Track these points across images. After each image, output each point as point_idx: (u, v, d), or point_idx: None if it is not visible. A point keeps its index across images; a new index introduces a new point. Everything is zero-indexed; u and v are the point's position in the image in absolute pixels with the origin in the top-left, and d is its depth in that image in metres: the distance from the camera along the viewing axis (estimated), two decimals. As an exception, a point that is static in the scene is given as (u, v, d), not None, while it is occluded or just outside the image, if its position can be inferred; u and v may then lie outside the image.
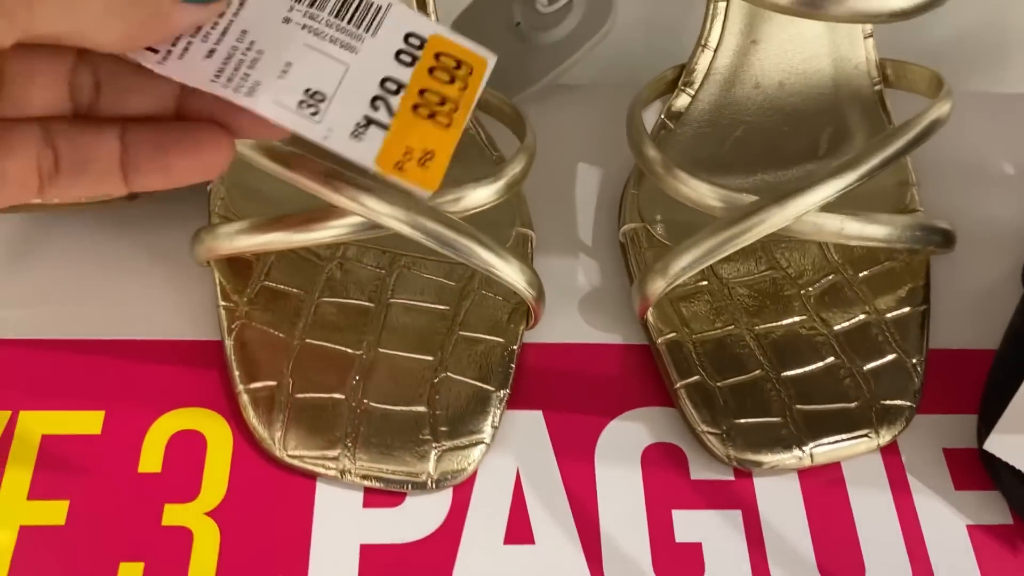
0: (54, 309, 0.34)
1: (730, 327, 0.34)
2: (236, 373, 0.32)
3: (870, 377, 0.33)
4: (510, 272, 0.31)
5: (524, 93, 0.40)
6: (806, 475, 0.32)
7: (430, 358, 0.32)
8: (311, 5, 0.22)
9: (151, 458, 0.31)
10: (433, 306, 0.34)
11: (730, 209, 0.32)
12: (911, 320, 0.34)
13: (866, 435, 0.32)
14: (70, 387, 0.32)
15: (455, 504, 0.31)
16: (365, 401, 0.31)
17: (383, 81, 0.23)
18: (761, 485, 0.32)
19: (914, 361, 0.33)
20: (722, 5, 0.37)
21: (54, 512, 0.30)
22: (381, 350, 0.32)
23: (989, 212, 0.38)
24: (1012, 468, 0.30)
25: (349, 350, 0.32)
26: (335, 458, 0.30)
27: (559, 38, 0.39)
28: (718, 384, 0.32)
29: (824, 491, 0.32)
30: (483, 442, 0.31)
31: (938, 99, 0.34)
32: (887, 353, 0.33)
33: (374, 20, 0.23)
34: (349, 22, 0.23)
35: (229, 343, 0.32)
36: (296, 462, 0.30)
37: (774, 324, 0.34)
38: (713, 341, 0.33)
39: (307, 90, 0.22)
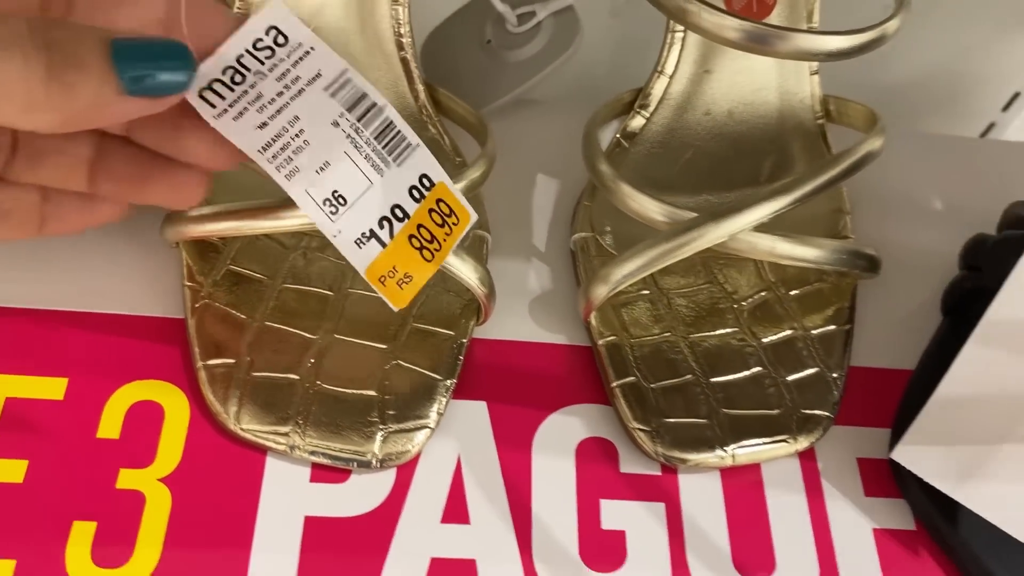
0: (26, 280, 0.35)
1: (667, 334, 0.36)
2: (196, 350, 0.33)
3: (793, 388, 0.35)
4: (463, 269, 0.33)
5: (491, 106, 0.42)
6: (728, 474, 0.34)
7: (383, 346, 0.34)
8: (359, 119, 0.26)
9: (110, 425, 0.33)
10: None
11: (671, 224, 0.34)
12: (835, 338, 0.37)
13: (785, 440, 0.34)
14: (36, 354, 0.34)
15: (397, 483, 0.33)
16: (318, 383, 0.33)
17: (394, 207, 0.27)
18: (685, 481, 0.34)
19: (835, 375, 0.36)
20: (679, 35, 0.39)
21: (13, 470, 0.31)
22: (337, 336, 0.34)
23: (917, 243, 0.41)
24: (917, 478, 0.33)
25: (306, 334, 0.34)
26: (285, 434, 0.32)
27: (526, 57, 0.42)
28: (651, 385, 0.34)
29: (743, 490, 0.34)
30: (428, 427, 0.33)
31: (871, 134, 0.37)
32: (810, 366, 0.36)
33: (403, 153, 0.27)
34: (384, 147, 0.26)
35: (191, 321, 0.34)
36: (248, 436, 0.32)
37: (708, 334, 0.36)
38: (650, 346, 0.36)
39: (335, 192, 0.26)
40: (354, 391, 0.33)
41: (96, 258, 0.36)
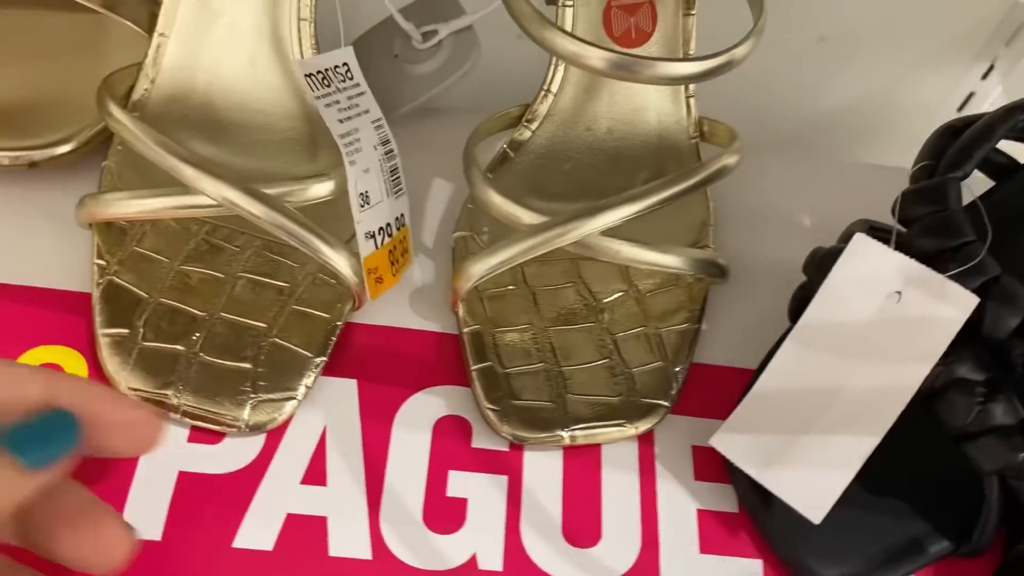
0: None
1: (527, 325, 0.40)
2: (97, 319, 0.37)
3: (636, 377, 0.39)
4: (338, 260, 0.37)
5: (396, 113, 0.46)
6: (570, 453, 0.38)
7: (263, 325, 0.38)
8: (385, 154, 0.38)
9: (15, 383, 0.37)
10: (275, 282, 0.39)
11: (532, 226, 0.38)
12: (683, 336, 0.40)
13: (622, 425, 0.37)
14: (-43, 319, 0.38)
15: (266, 447, 0.36)
16: (200, 354, 0.37)
17: (387, 224, 0.38)
18: (530, 457, 0.37)
19: (677, 370, 0.39)
20: (564, 57, 0.43)
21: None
22: (223, 314, 0.38)
23: (776, 255, 0.44)
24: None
25: (196, 311, 0.38)
26: (167, 396, 0.36)
27: (428, 71, 0.46)
28: (505, 370, 0.38)
29: (582, 468, 0.37)
30: (295, 398, 0.36)
31: (728, 151, 0.40)
32: (655, 360, 0.39)
33: (398, 191, 0.39)
34: (391, 181, 0.39)
35: (96, 294, 0.38)
36: (135, 396, 0.36)
37: (566, 327, 0.40)
38: (510, 335, 0.39)
39: (366, 192, 0.37)
40: (231, 363, 0.37)
41: (17, 236, 0.40)
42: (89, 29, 0.44)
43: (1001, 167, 0.42)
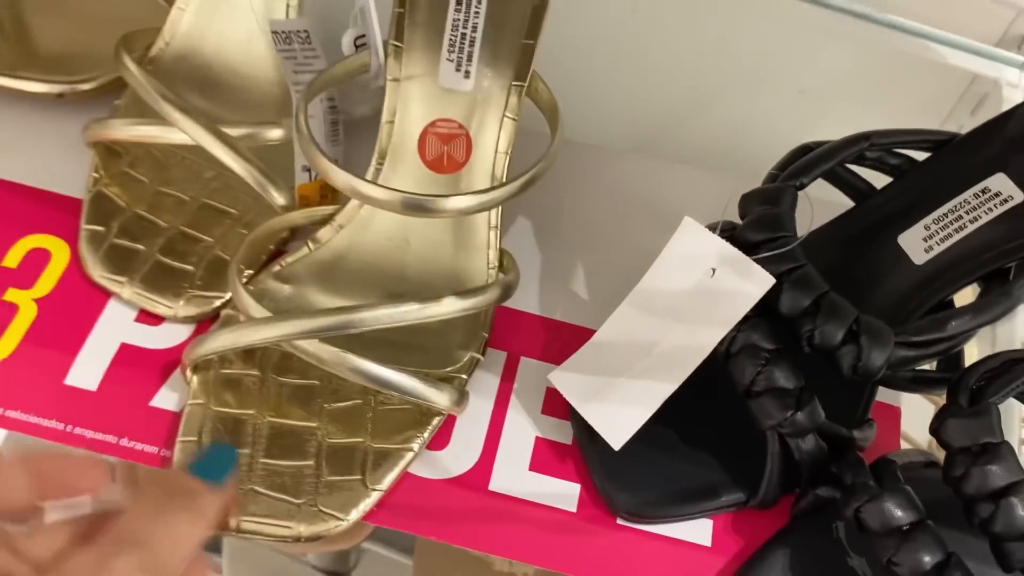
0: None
1: (250, 411, 0.42)
2: (83, 216, 0.46)
3: (326, 488, 0.40)
4: (275, 195, 0.45)
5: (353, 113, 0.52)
6: (438, 377, 0.45)
7: (210, 239, 0.47)
8: (330, 108, 0.47)
9: (12, 258, 0.46)
10: (228, 209, 0.48)
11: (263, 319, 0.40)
12: (393, 457, 0.41)
13: (287, 527, 0.39)
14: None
15: (195, 332, 0.45)
16: (157, 255, 0.46)
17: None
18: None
19: (372, 488, 0.40)
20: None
21: (-62, 274, 0.45)
22: (181, 227, 0.47)
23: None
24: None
25: (160, 222, 0.47)
26: (122, 283, 0.45)
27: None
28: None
29: (446, 390, 0.44)
30: (222, 298, 0.45)
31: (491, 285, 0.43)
32: (355, 475, 0.40)
33: (335, 139, 0.48)
34: (331, 129, 0.48)
35: (86, 198, 0.47)
36: (98, 279, 0.45)
37: (287, 421, 0.41)
38: (228, 418, 0.41)
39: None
40: (177, 264, 0.45)
41: (37, 148, 0.50)
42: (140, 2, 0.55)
43: (859, 190, 0.47)
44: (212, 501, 0.30)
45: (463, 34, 0.43)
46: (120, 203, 0.47)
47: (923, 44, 0.71)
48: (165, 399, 0.43)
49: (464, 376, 0.44)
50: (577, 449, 0.43)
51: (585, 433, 0.43)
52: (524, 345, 0.47)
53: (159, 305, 0.45)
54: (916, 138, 0.46)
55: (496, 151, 0.45)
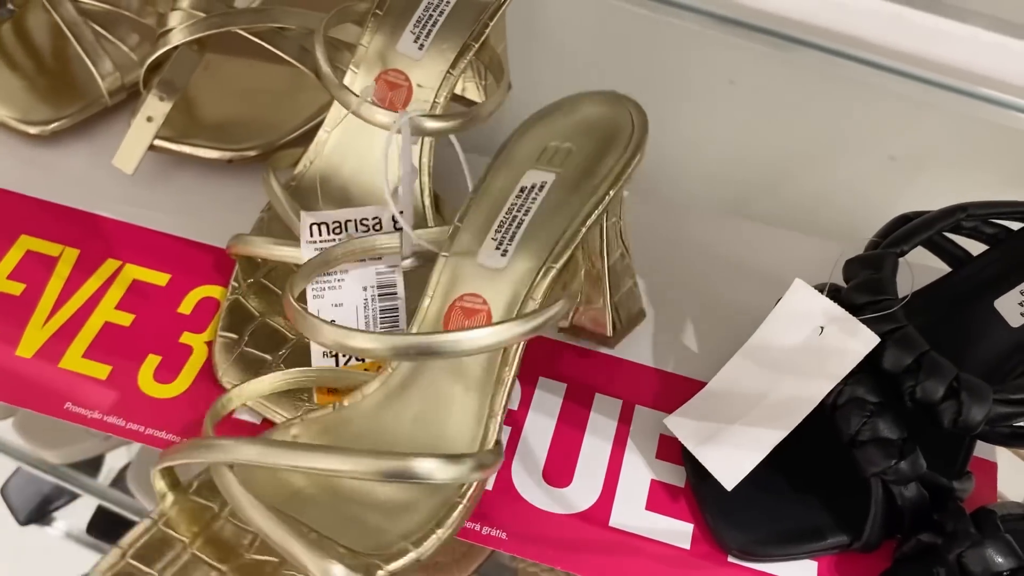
0: (164, 210, 0.56)
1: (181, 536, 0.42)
2: (220, 323, 0.50)
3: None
4: None
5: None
6: (563, 416, 0.49)
7: None
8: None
9: (186, 305, 0.52)
10: None
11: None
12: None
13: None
14: (157, 256, 0.54)
15: (343, 375, 0.50)
16: (281, 366, 0.49)
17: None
18: (531, 417, 0.49)
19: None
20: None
21: (125, 318, 0.51)
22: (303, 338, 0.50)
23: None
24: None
25: (288, 333, 0.50)
26: None
27: None
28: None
29: (570, 431, 0.49)
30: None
31: None
32: None
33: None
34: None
35: (224, 304, 0.51)
36: (229, 388, 0.47)
37: (204, 557, 0.41)
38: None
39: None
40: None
41: (211, 207, 0.57)
42: (283, 74, 0.61)
43: (956, 257, 0.51)
44: None
45: (514, 217, 0.45)
46: (255, 312, 0.51)
47: (1013, 116, 0.73)
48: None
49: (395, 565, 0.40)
50: (690, 490, 0.47)
51: (698, 475, 0.46)
52: (638, 394, 0.51)
53: (278, 416, 0.47)
54: (1011, 209, 0.49)
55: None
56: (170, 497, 0.43)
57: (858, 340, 0.43)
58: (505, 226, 0.45)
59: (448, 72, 0.54)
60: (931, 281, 0.51)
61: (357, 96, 0.51)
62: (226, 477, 0.40)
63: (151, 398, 0.49)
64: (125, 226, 0.56)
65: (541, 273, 0.43)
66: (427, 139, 0.53)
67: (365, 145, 0.55)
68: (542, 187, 0.45)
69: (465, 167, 0.50)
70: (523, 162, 0.46)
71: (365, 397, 0.45)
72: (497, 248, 0.44)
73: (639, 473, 0.48)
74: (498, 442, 0.42)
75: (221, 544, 0.42)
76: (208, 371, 0.50)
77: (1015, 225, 0.50)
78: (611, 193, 0.44)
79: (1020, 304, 0.47)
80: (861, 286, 0.45)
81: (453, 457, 0.40)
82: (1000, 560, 0.39)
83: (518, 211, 0.45)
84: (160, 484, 0.43)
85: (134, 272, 0.54)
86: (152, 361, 0.50)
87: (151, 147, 0.55)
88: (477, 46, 0.54)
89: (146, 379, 0.50)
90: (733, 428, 0.45)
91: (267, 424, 0.48)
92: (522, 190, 0.45)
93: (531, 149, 0.47)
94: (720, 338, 0.52)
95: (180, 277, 0.54)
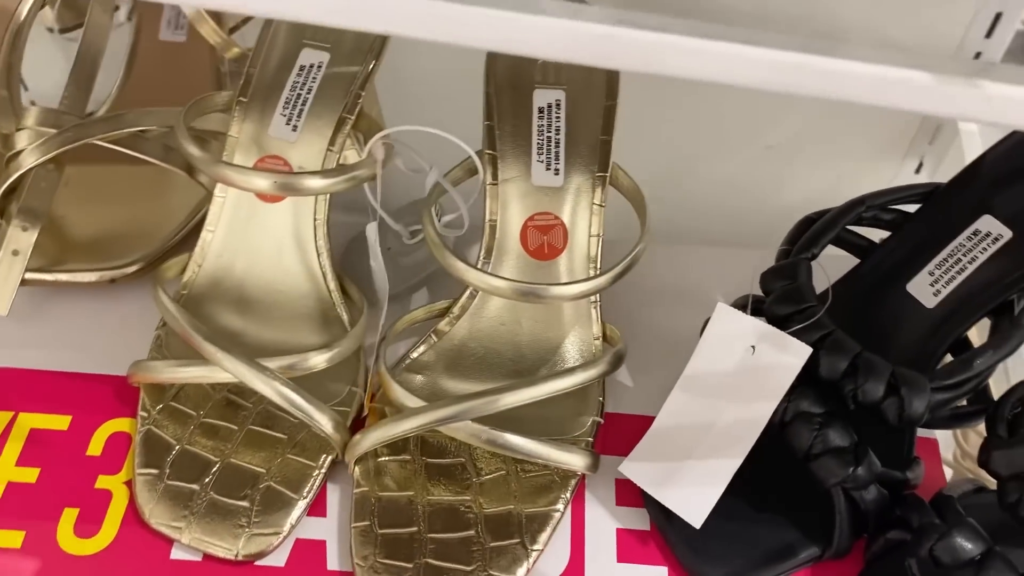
0: (52, 347, 0.52)
1: (410, 492, 0.46)
2: (136, 459, 0.47)
3: (492, 553, 0.44)
4: (322, 420, 0.45)
5: (389, 295, 0.52)
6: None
7: (262, 470, 0.46)
8: None
9: (96, 445, 0.49)
10: (275, 433, 0.48)
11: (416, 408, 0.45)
12: (543, 519, 0.45)
13: None
14: (49, 398, 0.50)
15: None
16: (210, 493, 0.46)
17: None
18: (483, 491, 0.48)
19: (532, 549, 0.44)
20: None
21: (29, 474, 0.47)
22: (231, 460, 0.47)
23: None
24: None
25: (211, 457, 0.47)
26: (181, 529, 0.45)
27: (416, 261, 0.56)
28: (380, 532, 0.44)
29: (525, 498, 0.47)
30: (280, 533, 0.47)
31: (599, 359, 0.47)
32: (514, 538, 0.44)
33: None
34: None
35: (137, 439, 0.47)
36: (160, 528, 0.45)
37: (443, 498, 0.46)
38: (393, 500, 0.46)
39: None
40: (232, 501, 0.45)
41: (98, 335, 0.53)
42: (150, 176, 0.58)
43: (860, 248, 0.52)
44: None
45: (548, 138, 0.52)
46: (172, 441, 0.47)
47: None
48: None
49: (590, 439, 0.48)
50: (656, 533, 0.46)
51: (662, 515, 0.46)
52: (585, 441, 0.50)
53: (219, 548, 0.45)
54: (905, 194, 0.50)
55: (590, 235, 0.51)
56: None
57: (791, 354, 0.43)
58: (545, 148, 0.52)
59: (328, 149, 0.52)
60: (842, 271, 0.51)
61: (239, 166, 0.49)
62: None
63: (77, 557, 0.45)
64: (9, 372, 0.51)
65: (596, 182, 0.51)
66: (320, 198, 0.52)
67: (255, 236, 0.52)
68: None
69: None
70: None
71: (458, 319, 0.51)
72: (548, 169, 0.52)
73: (603, 525, 0.47)
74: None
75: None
76: (133, 514, 0.46)
77: (912, 208, 0.51)
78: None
79: (931, 285, 0.48)
80: (782, 298, 0.46)
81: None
82: (970, 547, 0.40)
83: (548, 131, 0.52)
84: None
85: (29, 421, 0.49)
86: (70, 515, 0.46)
87: (23, 282, 0.51)
88: (353, 118, 0.52)
89: (67, 537, 0.46)
90: (688, 464, 0.44)
91: (210, 559, 0.45)
92: (541, 112, 0.52)
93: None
94: (655, 366, 0.51)
95: (82, 416, 0.50)
